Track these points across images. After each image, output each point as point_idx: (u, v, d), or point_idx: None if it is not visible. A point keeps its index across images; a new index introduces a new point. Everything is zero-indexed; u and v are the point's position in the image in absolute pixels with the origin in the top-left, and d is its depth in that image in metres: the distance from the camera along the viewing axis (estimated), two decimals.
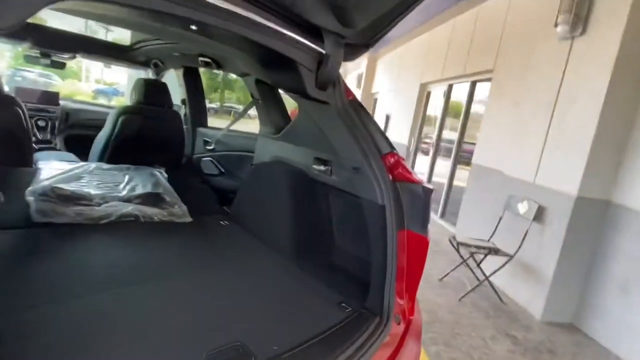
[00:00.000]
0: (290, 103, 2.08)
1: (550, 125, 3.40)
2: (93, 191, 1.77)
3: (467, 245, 3.46)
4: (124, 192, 1.85)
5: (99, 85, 21.23)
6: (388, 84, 9.99)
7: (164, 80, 3.06)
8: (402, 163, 1.46)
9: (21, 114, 2.00)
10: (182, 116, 2.84)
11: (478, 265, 3.46)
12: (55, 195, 1.62)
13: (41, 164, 1.99)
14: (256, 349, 1.04)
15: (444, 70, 6.52)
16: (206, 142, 2.69)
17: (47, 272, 1.25)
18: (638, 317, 2.72)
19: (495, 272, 3.40)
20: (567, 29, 3.22)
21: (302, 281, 1.51)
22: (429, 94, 7.59)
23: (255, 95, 2.06)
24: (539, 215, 3.32)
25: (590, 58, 3.07)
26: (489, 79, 5.09)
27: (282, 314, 1.27)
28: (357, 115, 1.51)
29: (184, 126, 2.74)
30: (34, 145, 2.34)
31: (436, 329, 2.79)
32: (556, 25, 3.29)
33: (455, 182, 6.01)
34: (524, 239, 3.35)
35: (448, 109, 6.64)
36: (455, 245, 3.53)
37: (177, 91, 2.92)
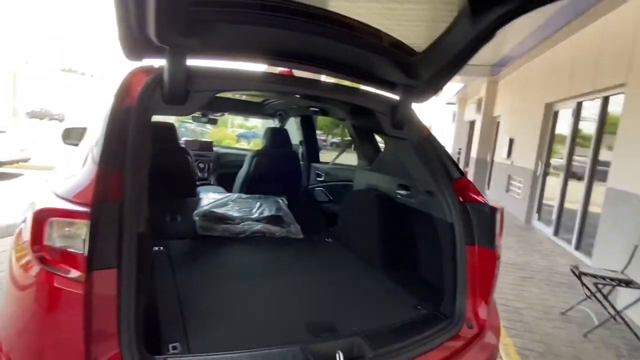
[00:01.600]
0: None
1: None
2: (235, 214, 2.40)
3: (592, 276, 3.18)
4: (255, 215, 2.44)
5: (241, 130, 24.78)
6: (510, 106, 9.48)
7: (287, 126, 3.76)
8: (471, 187, 1.69)
9: (190, 160, 2.82)
10: (300, 154, 3.44)
11: (605, 297, 3.14)
12: (211, 217, 2.29)
13: (202, 195, 2.74)
14: (340, 326, 1.40)
15: (571, 88, 6.03)
16: (318, 175, 3.21)
17: (205, 266, 1.85)
18: None
19: (628, 306, 3.05)
20: None
21: (386, 287, 1.81)
22: (556, 113, 7.02)
23: (352, 135, 2.49)
24: None
25: None
26: (622, 93, 4.60)
27: (365, 308, 1.61)
28: (431, 148, 1.79)
29: (301, 162, 3.33)
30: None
31: None
32: None
33: (595, 209, 5.38)
34: None
35: (578, 128, 6.07)
36: (577, 275, 3.28)
37: (295, 134, 3.56)
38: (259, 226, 2.29)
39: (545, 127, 7.18)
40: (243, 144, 19.32)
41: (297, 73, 1.77)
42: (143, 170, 1.15)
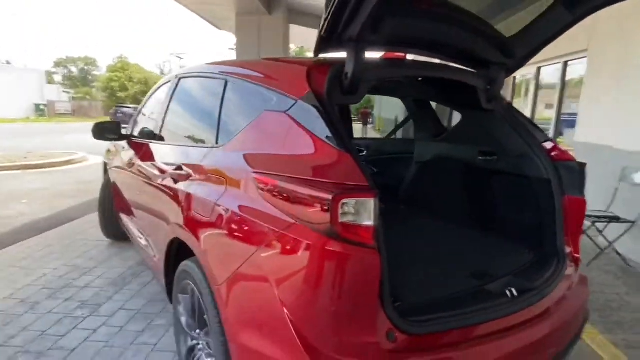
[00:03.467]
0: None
1: None
2: None
3: (588, 216, 3.79)
4: None
5: None
6: None
7: None
8: (558, 147, 2.01)
9: None
10: None
11: (601, 233, 3.77)
12: None
13: None
14: (490, 271, 1.68)
15: None
16: (359, 150, 3.41)
17: None
18: None
19: (619, 237, 3.70)
20: None
21: (489, 239, 2.12)
22: (514, 77, 7.75)
23: (413, 111, 2.72)
24: None
25: None
26: (583, 57, 5.26)
27: (492, 256, 1.90)
28: (514, 116, 2.09)
29: None
30: None
31: None
32: None
33: None
34: None
35: (539, 91, 6.81)
36: None
37: None
38: None
39: (506, 90, 7.91)
40: None
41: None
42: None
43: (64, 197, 6.19)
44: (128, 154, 2.99)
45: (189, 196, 1.71)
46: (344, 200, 1.10)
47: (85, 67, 62.23)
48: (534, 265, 1.82)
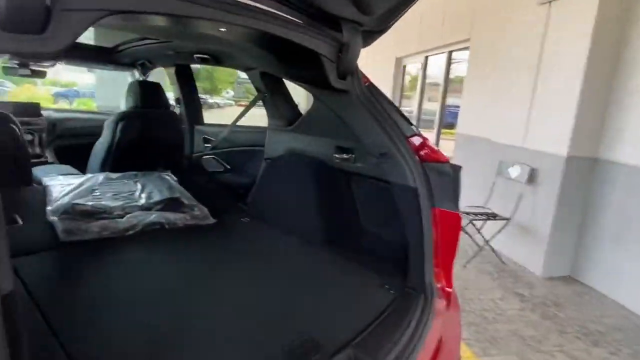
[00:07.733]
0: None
1: (535, 90, 3.51)
2: (111, 203, 1.73)
3: (466, 213, 3.58)
4: (142, 201, 1.81)
5: (57, 88, 20.14)
6: (362, 59, 9.93)
7: (149, 80, 2.96)
8: (427, 144, 1.50)
9: (17, 130, 1.91)
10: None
11: (478, 231, 3.59)
12: (76, 212, 1.58)
13: (46, 181, 1.92)
14: (322, 338, 1.08)
15: (420, 43, 6.54)
16: (206, 140, 2.64)
17: (90, 293, 1.24)
18: (630, 264, 2.92)
19: (494, 235, 3.55)
20: None
21: (339, 266, 1.55)
22: (404, 67, 7.63)
23: (261, 89, 2.03)
24: (532, 177, 3.46)
25: (569, 22, 3.17)
26: (466, 48, 5.16)
27: (334, 301, 1.31)
28: (377, 100, 1.52)
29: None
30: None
31: None
32: None
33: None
34: (519, 201, 3.49)
35: (426, 80, 6.73)
36: None
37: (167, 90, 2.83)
38: (153, 216, 1.69)
39: (397, 79, 7.78)
40: (64, 106, 15.89)
41: None
42: None
43: None
44: None
45: None
46: None
47: None
48: (396, 312, 1.27)
